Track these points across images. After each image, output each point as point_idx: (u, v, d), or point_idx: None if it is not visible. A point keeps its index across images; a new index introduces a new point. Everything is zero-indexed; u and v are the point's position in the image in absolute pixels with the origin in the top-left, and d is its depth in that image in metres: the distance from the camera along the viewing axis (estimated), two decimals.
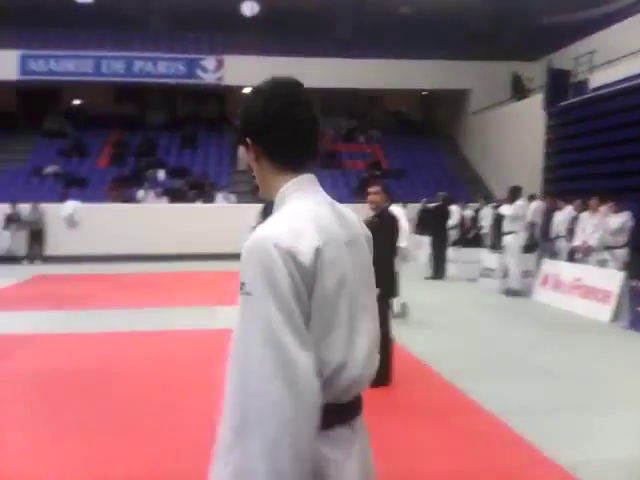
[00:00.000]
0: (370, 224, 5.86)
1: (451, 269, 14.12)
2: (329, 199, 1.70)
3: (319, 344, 1.50)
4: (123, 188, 19.32)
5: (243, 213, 18.93)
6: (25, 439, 4.55)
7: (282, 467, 1.38)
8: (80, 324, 8.51)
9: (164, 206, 18.27)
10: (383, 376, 5.72)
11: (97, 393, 5.72)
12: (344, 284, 1.56)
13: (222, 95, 25.56)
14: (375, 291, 1.77)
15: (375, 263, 6.42)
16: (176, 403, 5.45)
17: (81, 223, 17.23)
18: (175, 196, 19.43)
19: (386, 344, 5.79)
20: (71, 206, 17.57)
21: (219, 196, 19.71)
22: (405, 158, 22.84)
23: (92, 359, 6.95)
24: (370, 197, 5.96)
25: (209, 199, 19.62)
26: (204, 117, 24.86)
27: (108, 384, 5.96)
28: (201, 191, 19.92)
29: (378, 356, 1.72)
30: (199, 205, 19.19)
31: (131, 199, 19.07)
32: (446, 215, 14.37)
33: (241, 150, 22.19)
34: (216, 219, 18.24)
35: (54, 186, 19.46)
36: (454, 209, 15.19)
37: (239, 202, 19.87)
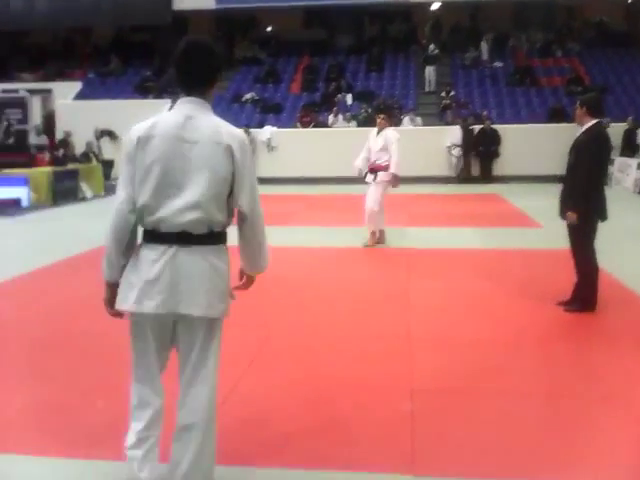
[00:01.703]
0: (576, 142, 5.65)
1: None
2: (189, 113, 2.63)
3: (138, 191, 2.60)
4: (314, 114, 19.91)
5: (429, 136, 18.81)
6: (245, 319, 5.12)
7: (107, 245, 2.69)
8: (283, 238, 9.17)
9: (352, 130, 18.59)
10: (588, 302, 5.63)
11: (301, 297, 6.31)
12: (160, 161, 2.56)
13: (409, 13, 25.04)
14: (208, 180, 2.58)
15: (578, 180, 6.08)
16: (367, 310, 5.86)
17: (278, 147, 18.16)
18: (363, 120, 19.65)
19: (590, 270, 5.64)
20: (269, 131, 18.57)
21: (405, 119, 19.63)
22: (608, 73, 21.05)
23: (294, 269, 7.56)
24: (575, 112, 5.76)
25: (396, 122, 19.58)
26: (391, 38, 24.54)
27: (309, 290, 6.56)
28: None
29: (192, 216, 2.57)
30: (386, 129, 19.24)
31: (322, 124, 19.63)
32: None
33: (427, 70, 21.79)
34: (404, 142, 18.19)
35: (252, 112, 20.57)
36: None
37: (425, 124, 19.67)
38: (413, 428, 3.57)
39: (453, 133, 18.50)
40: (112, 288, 2.73)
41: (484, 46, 22.90)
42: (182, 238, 2.58)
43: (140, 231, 2.69)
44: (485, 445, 3.38)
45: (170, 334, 2.72)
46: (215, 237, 2.66)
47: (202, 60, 2.66)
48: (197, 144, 2.58)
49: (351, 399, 3.99)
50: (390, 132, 8.69)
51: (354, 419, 3.71)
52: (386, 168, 8.59)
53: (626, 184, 13.94)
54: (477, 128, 18.47)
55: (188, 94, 2.66)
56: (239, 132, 2.71)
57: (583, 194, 5.47)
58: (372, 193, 8.70)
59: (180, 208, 2.56)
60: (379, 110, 9.27)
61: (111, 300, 2.73)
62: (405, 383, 4.21)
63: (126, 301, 2.63)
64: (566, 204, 5.60)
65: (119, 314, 2.75)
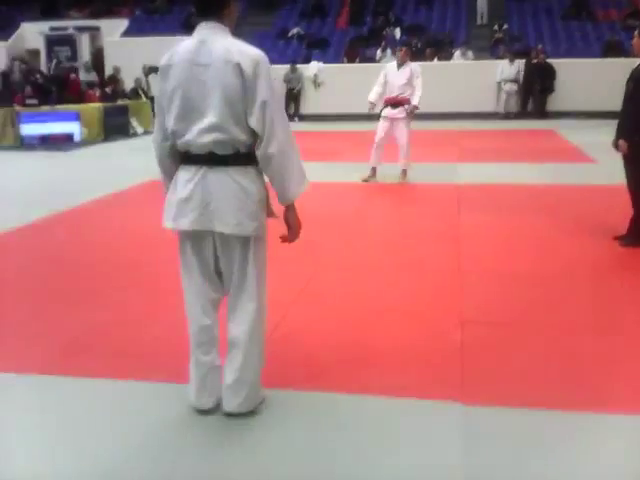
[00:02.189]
0: (634, 72, 5.41)
1: None
2: (203, 37, 2.66)
3: (167, 119, 2.73)
4: (360, 49, 19.49)
5: (482, 70, 18.24)
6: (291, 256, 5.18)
7: (160, 173, 2.94)
8: (331, 175, 9.17)
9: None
10: (637, 236, 5.53)
11: (350, 232, 6.32)
12: (179, 88, 2.65)
13: None
14: (223, 100, 2.62)
15: (633, 110, 5.87)
16: (416, 244, 5.87)
17: (324, 83, 17.91)
18: (412, 55, 19.14)
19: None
20: (315, 67, 18.30)
21: (456, 53, 19.07)
22: None
23: (343, 205, 7.62)
24: (633, 42, 5.52)
25: (447, 56, 19.08)
26: None
27: (358, 225, 6.53)
28: (439, 49, 19.39)
29: (213, 137, 2.64)
30: (436, 63, 18.77)
31: (369, 59, 19.21)
32: None
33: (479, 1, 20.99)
34: (454, 77, 17.80)
35: (298, 47, 20.24)
36: None
37: (476, 59, 19.08)
38: (463, 358, 3.58)
39: (504, 68, 17.88)
40: None
41: None
42: (210, 159, 2.68)
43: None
44: (535, 377, 3.37)
45: (212, 256, 2.82)
46: (242, 158, 2.70)
47: None
48: (210, 66, 2.60)
49: (401, 329, 4.01)
50: (415, 65, 8.58)
51: (404, 348, 3.73)
52: (409, 102, 8.46)
53: None
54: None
55: (205, 19, 2.68)
56: (253, 51, 2.64)
57: (637, 124, 5.31)
58: (402, 128, 8.54)
59: (202, 130, 2.64)
60: (402, 43, 9.13)
61: None
62: (455, 314, 4.21)
63: (167, 219, 2.81)
64: (620, 133, 5.47)
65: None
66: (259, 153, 2.68)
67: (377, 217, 7.03)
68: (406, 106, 8.43)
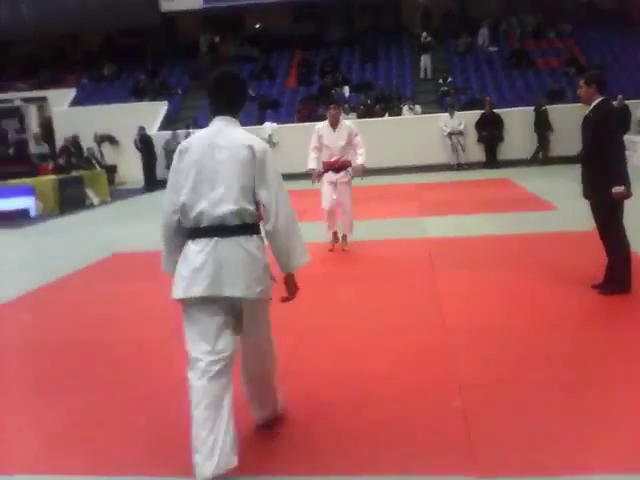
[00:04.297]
0: (584, 120, 5.56)
1: None
2: (220, 127, 3.13)
3: (179, 193, 3.05)
4: (312, 107, 19.79)
5: (429, 123, 18.68)
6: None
7: (162, 244, 3.22)
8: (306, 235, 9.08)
9: (354, 122, 18.45)
10: (623, 283, 5.53)
11: (327, 293, 6.22)
12: (194, 165, 3.02)
13: (398, 4, 24.93)
14: (236, 176, 3.03)
15: (609, 157, 5.79)
16: (397, 303, 5.79)
17: (279, 143, 18.04)
18: (363, 112, 19.54)
19: (623, 248, 5.53)
20: (269, 127, 18.43)
21: (405, 108, 19.53)
22: (604, 53, 20.90)
23: (324, 264, 7.53)
24: (580, 91, 5.60)
25: (397, 112, 19.52)
26: (381, 29, 24.37)
27: (335, 286, 6.47)
28: (387, 104, 19.84)
29: (226, 207, 2.98)
30: (387, 119, 19.18)
31: (321, 117, 19.48)
32: None
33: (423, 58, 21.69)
34: (405, 131, 18.17)
35: (250, 109, 20.41)
36: None
37: (424, 112, 19.55)
38: (467, 425, 3.48)
39: (446, 121, 18.27)
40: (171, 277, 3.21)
41: (484, 32, 22.64)
42: (220, 230, 2.98)
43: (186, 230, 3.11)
44: (543, 439, 3.28)
45: (223, 317, 3.03)
46: (248, 228, 3.04)
47: (232, 88, 3.22)
48: (226, 148, 3.03)
49: (398, 398, 3.89)
50: (349, 123, 8.09)
51: (404, 418, 3.62)
52: (351, 163, 7.97)
53: (634, 161, 13.79)
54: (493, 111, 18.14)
55: (216, 114, 3.17)
56: (262, 140, 3.20)
57: (619, 168, 5.32)
58: (346, 193, 7.99)
59: (215, 200, 2.97)
60: (330, 101, 8.92)
61: None
62: (451, 378, 4.12)
63: (177, 290, 3.04)
64: (600, 182, 5.36)
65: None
66: (267, 227, 3.08)
67: (352, 277, 6.95)
68: (349, 169, 7.94)
